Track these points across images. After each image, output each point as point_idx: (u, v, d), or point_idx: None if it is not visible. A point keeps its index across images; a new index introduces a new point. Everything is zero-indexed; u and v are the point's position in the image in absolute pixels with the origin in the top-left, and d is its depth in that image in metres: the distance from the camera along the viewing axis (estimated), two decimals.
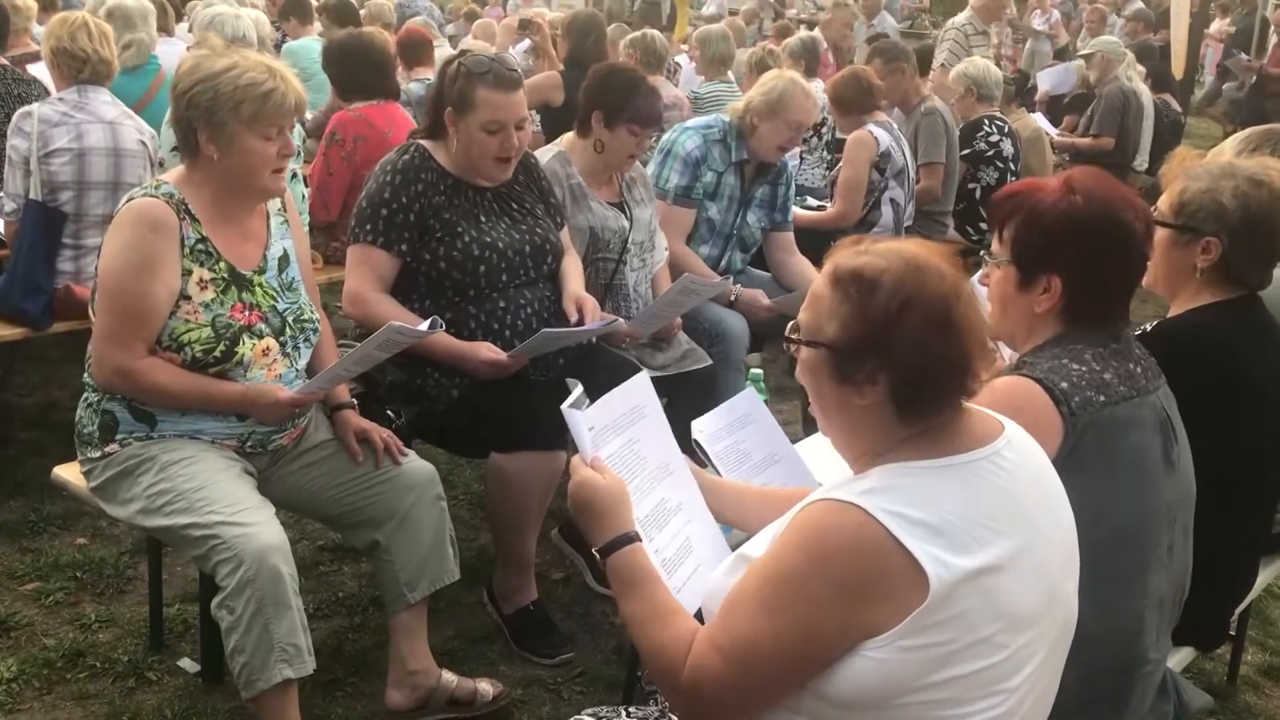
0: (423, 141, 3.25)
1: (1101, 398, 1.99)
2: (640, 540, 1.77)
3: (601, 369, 3.16)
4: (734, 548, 1.77)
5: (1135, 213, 2.06)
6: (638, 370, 3.50)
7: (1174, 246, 2.51)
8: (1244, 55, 13.27)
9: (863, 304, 1.56)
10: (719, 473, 2.35)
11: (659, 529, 1.90)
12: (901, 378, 1.56)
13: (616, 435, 1.91)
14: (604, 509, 1.78)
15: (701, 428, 2.41)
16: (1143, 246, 2.08)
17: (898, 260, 1.58)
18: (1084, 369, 2.01)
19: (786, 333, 1.69)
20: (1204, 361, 2.40)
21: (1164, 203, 2.54)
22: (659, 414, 2.04)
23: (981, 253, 2.22)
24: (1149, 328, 2.51)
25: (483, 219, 3.21)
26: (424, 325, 2.79)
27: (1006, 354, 2.23)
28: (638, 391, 2.01)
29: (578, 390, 1.92)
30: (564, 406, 1.84)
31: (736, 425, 2.45)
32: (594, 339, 3.43)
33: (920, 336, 1.54)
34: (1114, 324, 2.11)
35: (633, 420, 1.96)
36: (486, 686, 2.94)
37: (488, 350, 3.11)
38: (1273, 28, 12.52)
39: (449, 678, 2.90)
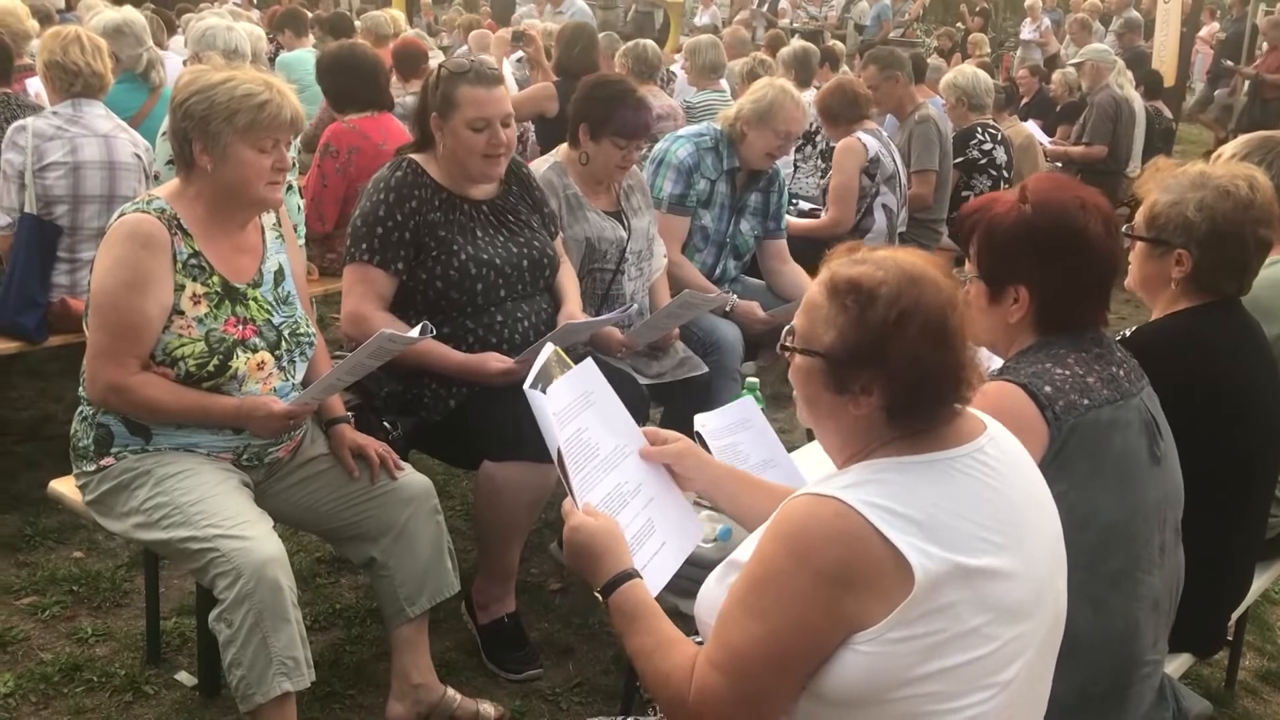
0: (413, 156, 3.23)
1: (1085, 401, 1.99)
2: (640, 577, 1.77)
3: None
4: (732, 549, 1.77)
5: (1089, 212, 2.06)
6: (634, 380, 3.53)
7: (1149, 258, 2.52)
8: (1230, 63, 13.33)
9: (860, 315, 1.57)
10: None
11: (614, 515, 1.90)
12: (897, 389, 1.56)
13: (565, 424, 1.91)
14: (600, 550, 1.79)
15: (704, 422, 2.45)
16: (1103, 243, 2.06)
17: (895, 271, 1.59)
18: (1067, 373, 2.02)
19: (781, 338, 1.69)
20: (1184, 364, 2.40)
21: (1139, 215, 2.54)
22: (611, 398, 2.05)
23: (955, 271, 2.24)
24: (1128, 333, 2.51)
25: (479, 234, 3.20)
26: (414, 331, 2.78)
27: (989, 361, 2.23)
28: (585, 378, 2.01)
29: (546, 351, 1.93)
30: (526, 387, 1.86)
31: (737, 427, 2.50)
32: (592, 351, 3.42)
33: (916, 349, 1.55)
34: (1091, 326, 2.11)
35: (582, 407, 1.97)
36: (489, 708, 2.93)
37: (496, 361, 3.09)
38: (1262, 34, 12.55)
39: (452, 695, 2.89)
